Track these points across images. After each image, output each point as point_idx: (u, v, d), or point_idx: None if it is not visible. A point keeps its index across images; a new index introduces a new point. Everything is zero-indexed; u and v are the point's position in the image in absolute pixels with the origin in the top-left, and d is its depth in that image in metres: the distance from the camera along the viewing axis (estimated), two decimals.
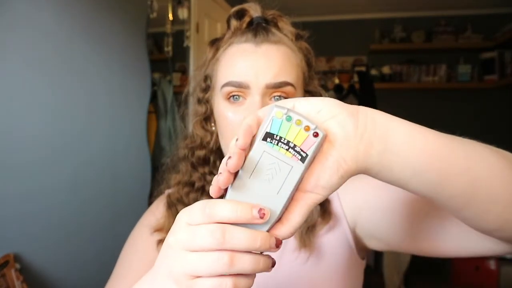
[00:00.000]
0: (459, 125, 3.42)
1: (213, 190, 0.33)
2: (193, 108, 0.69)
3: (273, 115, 0.32)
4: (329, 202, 0.64)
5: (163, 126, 1.98)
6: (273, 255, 0.62)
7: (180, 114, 0.74)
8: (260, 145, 0.32)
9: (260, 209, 0.31)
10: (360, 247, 0.64)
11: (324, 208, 0.63)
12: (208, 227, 0.31)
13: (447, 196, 0.35)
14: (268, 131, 0.32)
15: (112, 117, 1.55)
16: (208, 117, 0.67)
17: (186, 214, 0.33)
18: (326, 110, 0.33)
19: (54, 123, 1.33)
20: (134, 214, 0.75)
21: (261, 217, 0.31)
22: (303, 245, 0.61)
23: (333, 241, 0.62)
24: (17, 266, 1.19)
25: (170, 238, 0.34)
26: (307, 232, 0.61)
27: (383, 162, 0.33)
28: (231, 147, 0.33)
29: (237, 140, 0.31)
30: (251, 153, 0.32)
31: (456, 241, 0.49)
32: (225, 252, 0.30)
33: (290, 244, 0.62)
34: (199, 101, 0.66)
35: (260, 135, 0.32)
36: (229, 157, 0.31)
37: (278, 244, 0.32)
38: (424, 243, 0.53)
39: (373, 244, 0.62)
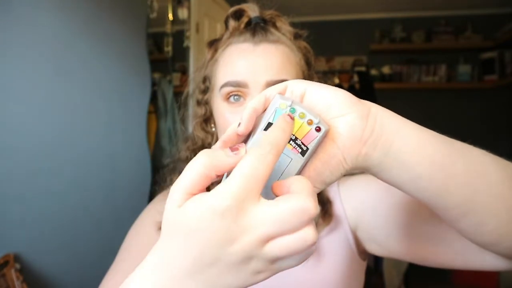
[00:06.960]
0: (459, 125, 3.41)
1: None
2: (193, 110, 0.69)
3: (277, 106, 0.32)
4: (330, 203, 0.64)
5: (163, 126, 1.98)
6: None
7: (180, 117, 0.74)
8: (261, 136, 0.32)
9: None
10: (361, 249, 0.64)
11: (325, 210, 0.63)
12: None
13: (443, 206, 0.36)
14: (271, 121, 0.32)
15: (112, 117, 1.55)
16: (208, 119, 0.66)
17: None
18: (336, 106, 0.33)
19: (53, 124, 1.33)
20: (134, 214, 0.74)
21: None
22: None
23: (334, 242, 0.62)
24: (17, 266, 1.19)
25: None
26: None
27: (382, 165, 0.34)
28: (230, 129, 0.32)
29: (239, 125, 0.31)
30: (251, 142, 0.32)
31: (456, 252, 0.49)
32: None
33: None
34: (199, 102, 0.66)
35: (262, 125, 0.32)
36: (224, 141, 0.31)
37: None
38: (424, 251, 0.52)
39: (373, 248, 0.61)
